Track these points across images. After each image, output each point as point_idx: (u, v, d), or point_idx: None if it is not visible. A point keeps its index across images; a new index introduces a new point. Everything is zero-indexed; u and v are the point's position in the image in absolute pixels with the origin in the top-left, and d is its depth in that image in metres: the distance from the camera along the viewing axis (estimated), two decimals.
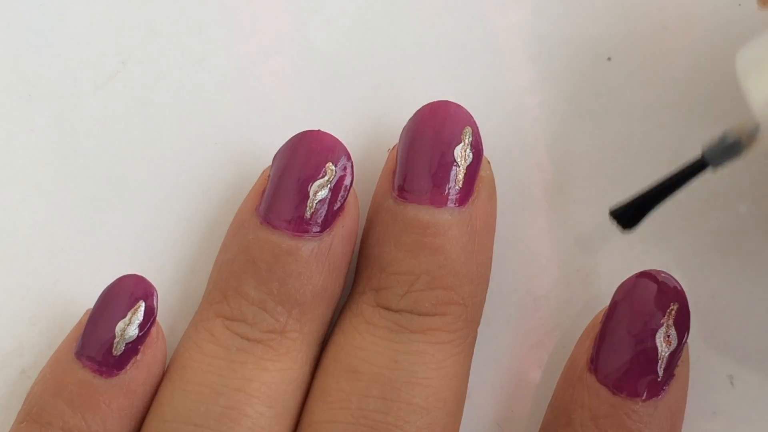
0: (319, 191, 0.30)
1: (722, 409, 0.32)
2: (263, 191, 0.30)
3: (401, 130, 0.31)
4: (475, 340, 0.31)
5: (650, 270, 0.30)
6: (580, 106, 0.33)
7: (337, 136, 0.30)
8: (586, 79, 0.33)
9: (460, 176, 0.30)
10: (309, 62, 0.33)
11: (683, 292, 0.29)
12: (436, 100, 0.30)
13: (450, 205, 0.30)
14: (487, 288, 0.31)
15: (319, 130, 0.30)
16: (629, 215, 0.30)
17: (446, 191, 0.30)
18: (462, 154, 0.30)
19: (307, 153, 0.30)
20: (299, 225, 0.30)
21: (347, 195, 0.30)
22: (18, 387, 0.32)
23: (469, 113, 0.30)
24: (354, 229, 0.31)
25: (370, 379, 0.29)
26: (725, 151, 0.28)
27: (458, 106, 0.30)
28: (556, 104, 0.33)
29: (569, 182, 0.33)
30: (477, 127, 0.30)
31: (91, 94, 0.33)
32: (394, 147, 0.31)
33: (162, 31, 0.33)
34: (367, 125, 0.33)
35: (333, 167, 0.30)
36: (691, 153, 0.32)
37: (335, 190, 0.30)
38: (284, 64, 0.33)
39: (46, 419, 0.29)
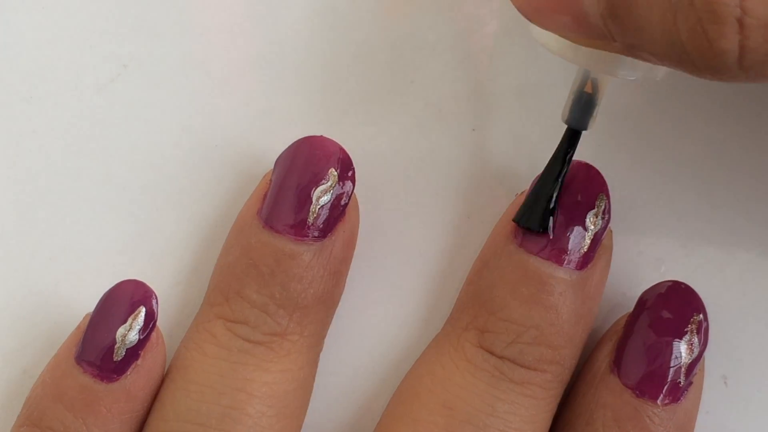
0: (322, 196, 0.30)
1: (716, 408, 0.32)
2: (265, 195, 0.30)
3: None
4: (559, 399, 0.31)
5: (678, 281, 0.30)
6: None
7: (338, 142, 0.31)
8: None
9: (587, 240, 0.30)
10: (311, 66, 0.33)
11: (704, 304, 0.30)
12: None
13: (570, 266, 0.30)
14: (581, 352, 0.31)
15: (321, 136, 0.31)
16: (535, 216, 0.30)
17: (568, 252, 0.30)
18: (594, 219, 0.30)
19: (310, 158, 0.30)
20: (302, 229, 0.30)
21: (349, 200, 0.30)
22: (20, 386, 0.32)
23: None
24: (354, 234, 0.31)
25: (465, 419, 0.29)
26: (584, 109, 0.29)
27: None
28: (556, 105, 0.33)
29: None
30: (609, 194, 0.30)
31: (93, 96, 0.33)
32: (522, 192, 0.31)
33: (163, 34, 0.33)
34: (369, 130, 0.33)
35: (335, 173, 0.30)
36: (690, 149, 0.32)
37: (337, 196, 0.30)
38: (286, 68, 0.33)
39: (47, 423, 0.29)
